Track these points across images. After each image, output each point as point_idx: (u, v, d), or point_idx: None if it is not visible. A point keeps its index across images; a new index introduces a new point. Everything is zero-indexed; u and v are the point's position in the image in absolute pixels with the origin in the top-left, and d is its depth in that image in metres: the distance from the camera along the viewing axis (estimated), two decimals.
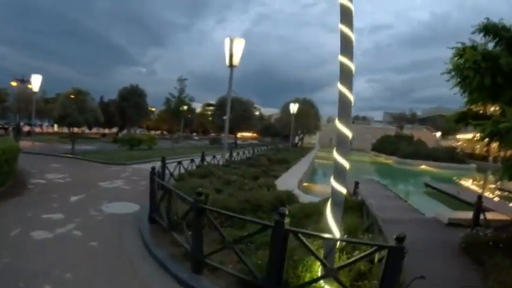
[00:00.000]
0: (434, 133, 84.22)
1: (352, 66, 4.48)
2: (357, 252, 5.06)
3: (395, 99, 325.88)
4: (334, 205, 4.58)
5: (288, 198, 9.04)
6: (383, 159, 52.34)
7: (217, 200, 7.75)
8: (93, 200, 9.75)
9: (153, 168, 8.06)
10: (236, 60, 14.81)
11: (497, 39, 6.74)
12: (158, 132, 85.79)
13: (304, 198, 9.96)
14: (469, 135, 54.73)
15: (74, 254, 5.74)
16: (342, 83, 4.48)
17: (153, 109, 76.88)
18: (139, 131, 74.14)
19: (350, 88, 4.48)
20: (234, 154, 22.77)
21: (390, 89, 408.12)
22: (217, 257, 5.11)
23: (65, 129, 34.03)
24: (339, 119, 4.53)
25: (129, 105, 55.65)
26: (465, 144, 67.74)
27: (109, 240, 6.51)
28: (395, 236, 3.72)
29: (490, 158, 52.14)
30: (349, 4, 4.52)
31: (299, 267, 4.56)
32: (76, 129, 25.63)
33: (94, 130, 63.28)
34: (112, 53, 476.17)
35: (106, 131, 68.77)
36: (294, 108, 40.18)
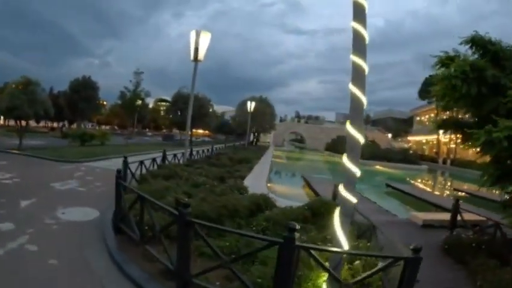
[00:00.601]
0: (385, 134, 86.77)
1: (365, 66, 4.05)
2: (357, 262, 4.82)
3: (346, 100, 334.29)
4: (343, 215, 4.13)
5: (265, 202, 8.53)
6: (338, 159, 52.91)
7: (191, 206, 7.09)
8: (46, 205, 8.74)
9: (119, 172, 7.22)
10: (201, 55, 14.19)
11: (482, 51, 6.99)
12: (109, 127, 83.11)
13: (279, 202, 9.44)
14: (418, 138, 57.39)
15: (32, 275, 4.84)
16: (354, 84, 4.05)
17: (105, 103, 73.82)
18: (90, 126, 71.05)
19: (363, 89, 4.05)
20: (194, 152, 21.98)
21: (342, 90, 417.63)
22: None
23: (12, 122, 31.61)
24: (351, 122, 4.09)
25: (80, 98, 53.12)
26: (415, 146, 70.72)
27: (71, 256, 5.62)
28: (411, 247, 3.76)
29: (440, 160, 54.22)
30: (362, 1, 4.07)
31: (303, 284, 4.19)
32: (23, 123, 23.67)
33: (42, 124, 60.19)
34: (64, 42, 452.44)
35: (55, 124, 65.50)
36: (251, 106, 39.70)
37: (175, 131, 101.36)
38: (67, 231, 6.98)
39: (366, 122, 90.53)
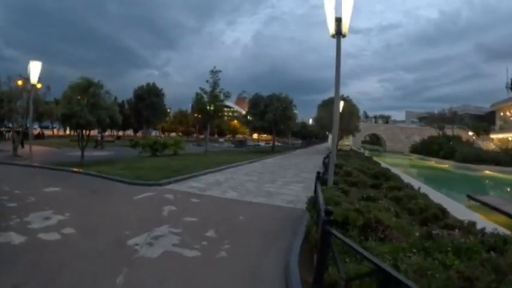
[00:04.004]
0: (468, 133, 77.08)
1: None
2: None
3: (406, 99, 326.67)
4: None
5: None
6: (434, 163, 45.45)
7: None
8: None
9: None
10: (345, 27, 9.04)
11: None
12: (173, 134, 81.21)
13: None
14: (503, 135, 48.74)
15: None
16: None
17: (169, 110, 71.53)
18: (154, 133, 68.84)
19: None
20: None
21: (400, 88, 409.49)
22: None
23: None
24: None
25: (146, 106, 50.51)
26: (498, 143, 62.25)
27: None
28: None
29: None
30: None
31: None
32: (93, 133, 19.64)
33: (107, 133, 58.85)
34: (124, 55, 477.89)
35: (120, 133, 63.81)
36: (340, 107, 33.37)
37: (238, 136, 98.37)
38: None
39: (443, 120, 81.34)
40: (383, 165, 22.59)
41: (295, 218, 8.50)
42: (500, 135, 66.94)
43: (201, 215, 8.27)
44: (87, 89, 17.82)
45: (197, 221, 7.68)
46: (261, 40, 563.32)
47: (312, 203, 7.41)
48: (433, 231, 5.52)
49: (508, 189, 25.14)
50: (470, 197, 14.76)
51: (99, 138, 34.88)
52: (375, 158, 36.30)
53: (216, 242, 6.28)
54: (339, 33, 9.04)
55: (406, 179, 15.26)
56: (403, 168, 34.49)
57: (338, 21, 9.00)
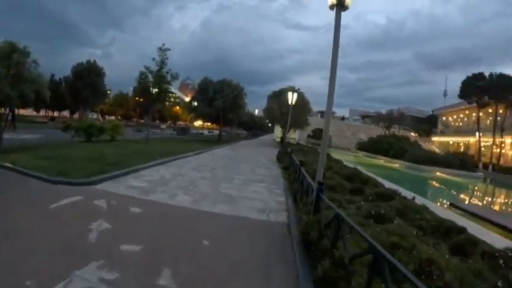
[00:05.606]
0: (413, 135, 79.62)
1: None
2: None
3: (348, 96, 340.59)
4: None
5: None
6: (384, 162, 45.26)
7: None
8: None
9: None
10: None
11: None
12: (112, 117, 76.46)
13: None
14: (444, 139, 50.37)
15: None
16: None
17: (109, 92, 66.76)
18: (92, 116, 64.03)
19: None
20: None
21: (343, 86, 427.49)
22: None
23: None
24: None
25: (84, 85, 45.90)
26: (439, 146, 64.88)
27: None
28: None
29: (480, 165, 46.84)
30: None
31: None
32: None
33: (42, 113, 54.02)
34: (66, 30, 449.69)
35: (56, 113, 58.54)
36: (292, 98, 31.67)
37: (180, 123, 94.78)
38: None
39: (390, 120, 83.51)
40: (344, 163, 21.18)
41: (277, 238, 6.52)
42: (442, 138, 69.68)
43: (146, 238, 5.76)
44: (9, 55, 14.37)
45: (142, 252, 5.15)
46: (210, 28, 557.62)
47: (317, 227, 5.26)
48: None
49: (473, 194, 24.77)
50: (453, 205, 13.64)
51: (9, 118, 29.38)
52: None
53: None
54: (340, 4, 7.44)
55: (381, 181, 13.68)
56: (357, 166, 33.57)
57: None
